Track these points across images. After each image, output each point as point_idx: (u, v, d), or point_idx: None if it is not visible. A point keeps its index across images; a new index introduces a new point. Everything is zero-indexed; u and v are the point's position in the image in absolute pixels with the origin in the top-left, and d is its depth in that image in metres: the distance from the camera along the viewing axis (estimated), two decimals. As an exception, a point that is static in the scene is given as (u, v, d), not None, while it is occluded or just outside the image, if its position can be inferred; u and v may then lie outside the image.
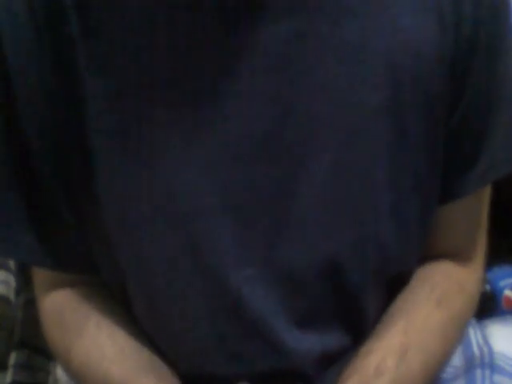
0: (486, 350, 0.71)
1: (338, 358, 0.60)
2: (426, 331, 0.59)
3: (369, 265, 0.58)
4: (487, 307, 0.81)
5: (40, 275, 0.65)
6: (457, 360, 0.71)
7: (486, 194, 0.64)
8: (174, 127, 0.54)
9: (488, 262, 0.78)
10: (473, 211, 0.64)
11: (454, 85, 0.56)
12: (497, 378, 0.66)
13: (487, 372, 0.67)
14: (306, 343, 0.59)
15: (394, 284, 0.62)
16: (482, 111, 0.57)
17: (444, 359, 0.62)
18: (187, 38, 0.52)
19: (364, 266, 0.58)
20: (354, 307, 0.59)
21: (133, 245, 0.57)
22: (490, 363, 0.68)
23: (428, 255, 0.64)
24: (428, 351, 0.59)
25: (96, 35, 0.53)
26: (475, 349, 0.72)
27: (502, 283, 0.82)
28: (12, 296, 0.95)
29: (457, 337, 0.64)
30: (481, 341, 0.73)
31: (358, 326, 0.61)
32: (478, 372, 0.67)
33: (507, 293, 0.81)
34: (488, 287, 0.82)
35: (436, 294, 0.62)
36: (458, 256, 0.65)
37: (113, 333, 0.61)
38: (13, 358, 0.85)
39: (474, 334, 0.75)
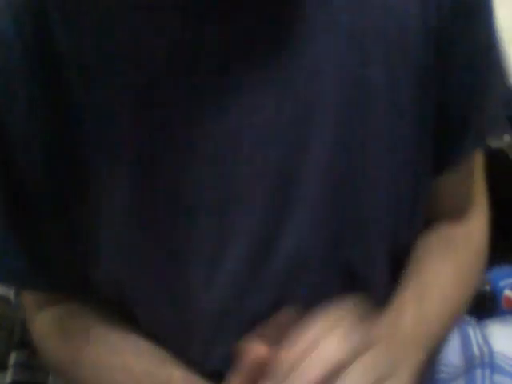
0: (485, 349, 0.71)
1: None
2: (440, 276, 0.61)
3: (369, 239, 0.58)
4: (487, 307, 0.81)
5: (31, 296, 0.64)
6: (457, 360, 0.71)
7: (478, 156, 0.66)
8: (174, 127, 0.53)
9: (488, 261, 0.78)
10: (469, 174, 0.65)
11: (439, 55, 0.56)
12: (497, 377, 0.67)
13: (487, 372, 0.67)
14: None
15: (399, 260, 0.62)
16: (468, 78, 0.58)
17: (459, 306, 0.64)
18: (176, 37, 0.52)
19: (364, 240, 0.58)
20: (357, 285, 0.59)
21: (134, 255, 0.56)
22: (489, 363, 0.68)
23: (430, 219, 0.64)
24: (444, 295, 0.60)
25: (84, 45, 0.53)
26: (475, 349, 0.72)
27: (501, 283, 0.82)
28: (12, 296, 0.95)
29: (470, 285, 0.65)
30: (481, 341, 0.73)
31: None
32: (478, 372, 0.67)
33: (507, 293, 0.81)
34: (488, 287, 0.82)
35: (445, 250, 0.63)
36: (460, 214, 0.66)
37: (123, 334, 0.60)
38: (13, 357, 0.85)
39: (473, 334, 0.75)
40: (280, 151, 0.54)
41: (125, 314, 0.61)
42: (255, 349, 0.52)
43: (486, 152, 0.74)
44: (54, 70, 0.53)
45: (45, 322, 0.63)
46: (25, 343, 0.88)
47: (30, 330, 0.66)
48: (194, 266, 0.56)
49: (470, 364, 0.69)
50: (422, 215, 0.61)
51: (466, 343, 0.73)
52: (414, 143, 0.57)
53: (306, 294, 0.58)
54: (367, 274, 0.59)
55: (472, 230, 0.66)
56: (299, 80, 0.53)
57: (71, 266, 0.60)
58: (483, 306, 0.82)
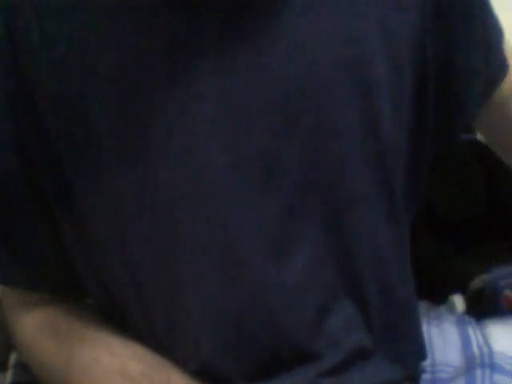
0: (486, 349, 0.71)
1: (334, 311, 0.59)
2: None
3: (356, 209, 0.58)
4: (487, 307, 0.81)
5: (16, 297, 0.62)
6: (457, 360, 0.71)
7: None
8: (151, 119, 0.53)
9: (488, 262, 0.78)
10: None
11: (439, 16, 0.59)
12: (497, 377, 0.66)
13: (487, 371, 0.67)
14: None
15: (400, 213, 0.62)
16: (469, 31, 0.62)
17: None
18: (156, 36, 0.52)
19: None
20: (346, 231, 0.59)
21: (127, 259, 0.56)
22: (490, 363, 0.68)
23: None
24: None
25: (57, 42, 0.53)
26: (475, 348, 0.72)
27: (501, 283, 0.82)
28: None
29: None
30: (481, 341, 0.73)
31: (349, 262, 0.59)
32: (478, 371, 0.67)
33: (507, 293, 0.81)
34: (488, 287, 0.82)
35: None
36: None
37: (118, 336, 0.60)
38: (13, 358, 0.84)
39: (473, 334, 0.75)
40: (266, 133, 0.54)
41: (112, 317, 0.60)
42: None
43: (485, 152, 0.74)
44: (26, 67, 0.53)
45: (34, 324, 0.62)
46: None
47: (12, 331, 0.64)
48: (182, 260, 0.55)
49: (470, 364, 0.69)
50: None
51: (466, 343, 0.73)
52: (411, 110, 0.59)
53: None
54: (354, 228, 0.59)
55: None
56: (274, 65, 0.53)
57: (58, 266, 0.59)
58: (483, 306, 0.82)
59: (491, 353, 0.70)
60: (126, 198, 0.54)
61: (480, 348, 0.72)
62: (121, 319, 0.60)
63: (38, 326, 0.62)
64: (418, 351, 0.66)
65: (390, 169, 0.59)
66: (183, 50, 0.53)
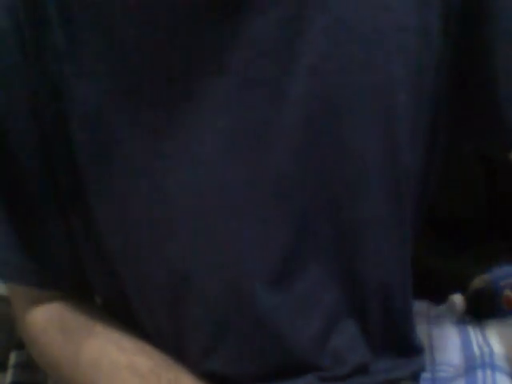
0: (486, 349, 0.71)
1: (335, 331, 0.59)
2: None
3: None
4: (487, 307, 0.81)
5: (26, 292, 0.63)
6: (457, 359, 0.71)
7: None
8: (164, 129, 0.53)
9: (488, 262, 0.78)
10: None
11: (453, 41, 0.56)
12: (497, 377, 0.66)
13: (488, 371, 0.67)
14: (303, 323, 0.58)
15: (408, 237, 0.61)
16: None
17: None
18: (173, 37, 0.53)
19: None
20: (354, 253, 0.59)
21: (132, 257, 0.57)
22: (490, 363, 0.68)
23: None
24: None
25: (81, 44, 0.53)
26: (475, 348, 0.72)
27: (502, 283, 0.82)
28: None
29: None
30: (481, 341, 0.74)
31: (355, 283, 0.59)
32: (479, 371, 0.67)
33: (507, 293, 0.81)
34: (488, 287, 0.82)
35: None
36: None
37: (126, 333, 0.60)
38: (13, 358, 0.84)
39: (474, 334, 0.75)
40: (275, 153, 0.54)
41: (120, 317, 0.60)
42: None
43: (485, 153, 0.74)
44: (50, 67, 0.53)
45: (43, 319, 0.62)
46: (25, 343, 0.88)
47: (20, 326, 0.64)
48: (187, 273, 0.55)
49: (471, 363, 0.69)
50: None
51: (466, 343, 0.73)
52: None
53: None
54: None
55: None
56: (294, 84, 0.53)
57: (70, 265, 0.59)
58: (483, 306, 0.82)
59: (492, 353, 0.70)
60: (134, 206, 0.55)
61: (480, 348, 0.72)
62: (128, 319, 0.60)
63: (46, 321, 0.62)
64: (416, 349, 0.66)
65: (404, 194, 0.59)
66: (202, 60, 0.53)
